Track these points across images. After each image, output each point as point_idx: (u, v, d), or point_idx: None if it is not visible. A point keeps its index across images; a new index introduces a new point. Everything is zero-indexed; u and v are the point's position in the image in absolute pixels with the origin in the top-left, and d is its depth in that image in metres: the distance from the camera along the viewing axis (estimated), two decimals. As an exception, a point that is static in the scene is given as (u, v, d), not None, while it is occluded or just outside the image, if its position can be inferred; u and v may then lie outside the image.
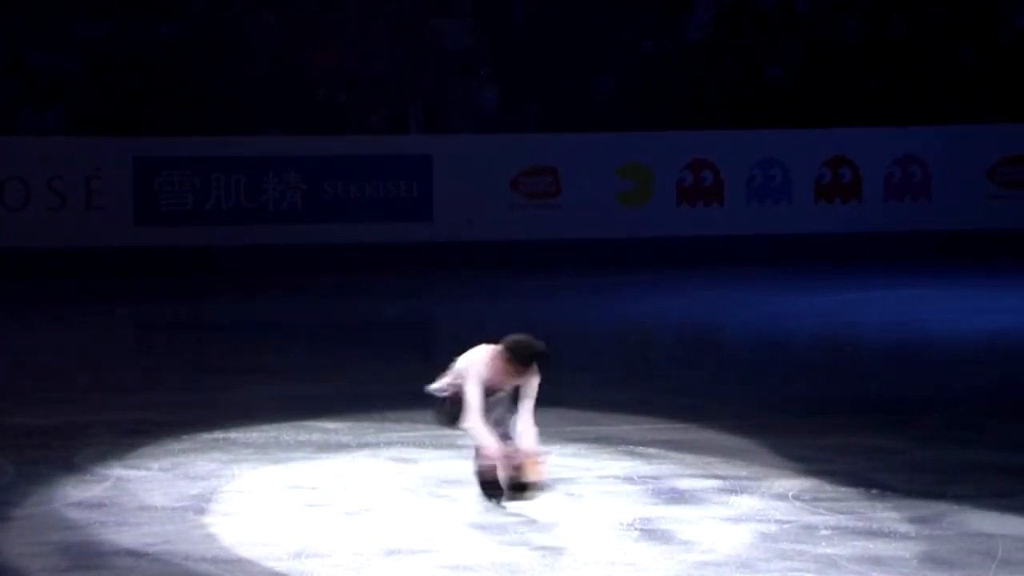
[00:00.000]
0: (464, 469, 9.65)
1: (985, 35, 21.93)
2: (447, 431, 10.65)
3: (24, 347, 14.73)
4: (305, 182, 20.04)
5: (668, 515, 8.84)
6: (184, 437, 10.76)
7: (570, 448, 10.34)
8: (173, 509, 9.04)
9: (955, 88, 21.51)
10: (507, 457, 8.93)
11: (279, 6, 21.31)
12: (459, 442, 10.53)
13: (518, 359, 8.94)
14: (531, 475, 8.91)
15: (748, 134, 20.80)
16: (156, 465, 9.98)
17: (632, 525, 8.72)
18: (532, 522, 8.82)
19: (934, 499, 9.25)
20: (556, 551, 8.32)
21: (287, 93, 20.80)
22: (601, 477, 9.70)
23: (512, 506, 9.09)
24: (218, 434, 10.85)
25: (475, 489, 9.29)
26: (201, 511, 9.02)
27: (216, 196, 19.95)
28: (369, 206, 20.07)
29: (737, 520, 8.74)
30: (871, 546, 8.40)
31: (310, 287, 18.33)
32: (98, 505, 9.10)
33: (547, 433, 10.64)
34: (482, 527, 8.74)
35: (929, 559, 8.20)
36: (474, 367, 9.01)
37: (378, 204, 20.07)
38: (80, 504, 9.12)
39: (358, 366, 13.53)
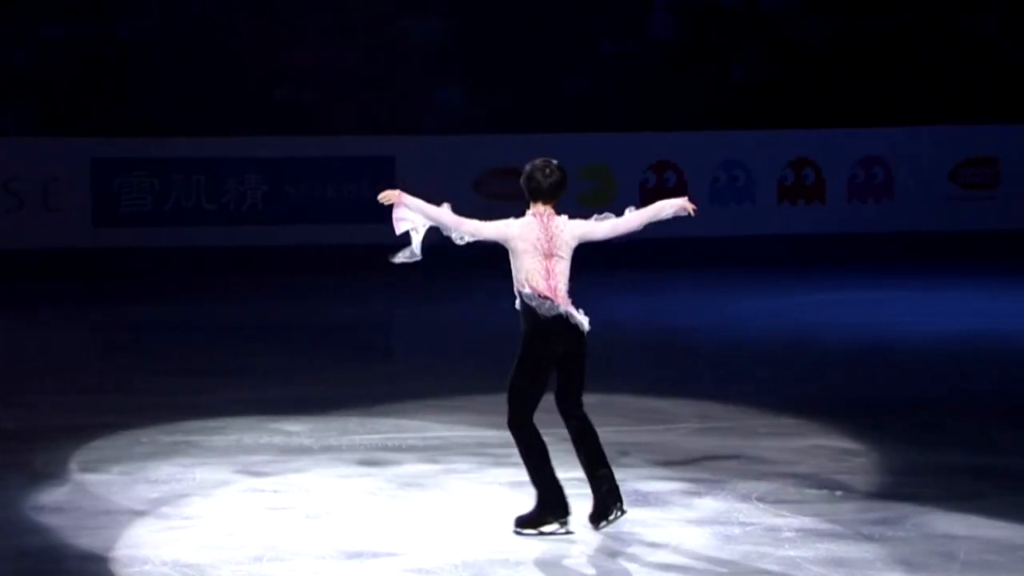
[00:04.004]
0: (425, 471, 9.66)
1: (947, 38, 22.04)
2: (407, 434, 10.69)
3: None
4: (266, 183, 20.00)
5: (632, 517, 8.85)
6: (145, 440, 10.73)
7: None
8: (134, 513, 9.01)
9: (917, 90, 21.62)
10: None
11: (239, 6, 21.26)
12: (420, 444, 10.53)
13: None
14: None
15: (711, 136, 20.86)
16: (117, 469, 9.95)
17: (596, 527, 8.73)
18: (495, 524, 8.83)
19: (897, 501, 9.29)
20: (519, 553, 8.33)
21: (248, 94, 20.75)
22: (565, 479, 9.70)
23: (474, 507, 9.09)
24: (179, 437, 10.82)
25: (437, 492, 9.28)
26: (162, 515, 8.99)
27: (176, 197, 19.90)
28: (331, 207, 20.05)
29: (701, 522, 8.76)
30: (834, 548, 8.42)
31: (272, 289, 18.29)
32: (58, 509, 9.08)
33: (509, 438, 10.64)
34: (444, 530, 8.74)
35: (892, 561, 8.24)
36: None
37: (340, 205, 20.05)
38: (40, 508, 9.09)
39: (320, 369, 13.51)
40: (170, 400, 12.16)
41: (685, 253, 19.79)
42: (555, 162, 8.69)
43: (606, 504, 8.41)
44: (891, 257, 19.71)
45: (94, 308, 17.20)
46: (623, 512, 8.40)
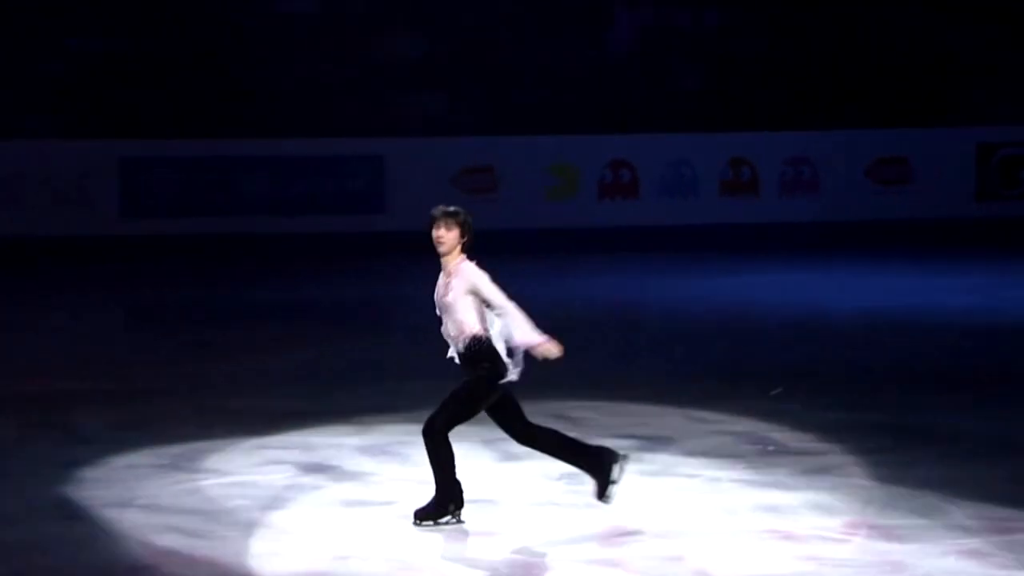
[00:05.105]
0: (406, 431, 9.65)
1: (863, 51, 22.13)
2: (396, 399, 10.66)
3: (26, 328, 14.48)
4: (273, 179, 19.97)
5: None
6: (165, 404, 10.69)
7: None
8: (156, 467, 8.99)
9: (839, 98, 21.71)
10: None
11: (250, 26, 21.19)
12: (407, 406, 10.51)
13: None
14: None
15: (661, 137, 20.89)
16: (141, 428, 9.91)
17: (560, 479, 8.75)
18: (474, 479, 8.83)
19: (819, 455, 9.33)
20: (493, 503, 8.33)
21: (257, 100, 20.71)
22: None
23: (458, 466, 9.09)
24: (197, 401, 10.79)
25: (419, 448, 9.29)
26: (182, 468, 8.97)
27: (193, 191, 19.85)
28: (330, 200, 20.02)
29: (653, 474, 8.79)
30: (767, 496, 8.45)
31: (281, 273, 18.23)
32: (89, 463, 9.05)
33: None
34: (419, 483, 8.72)
35: (815, 507, 8.27)
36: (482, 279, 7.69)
37: (338, 199, 20.03)
38: (73, 463, 9.07)
39: (320, 342, 13.46)
40: (191, 368, 12.12)
41: (638, 240, 19.81)
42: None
43: (605, 472, 7.66)
44: (816, 244, 19.76)
45: (123, 290, 17.10)
46: (622, 470, 7.64)
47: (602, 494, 7.77)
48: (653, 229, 20.22)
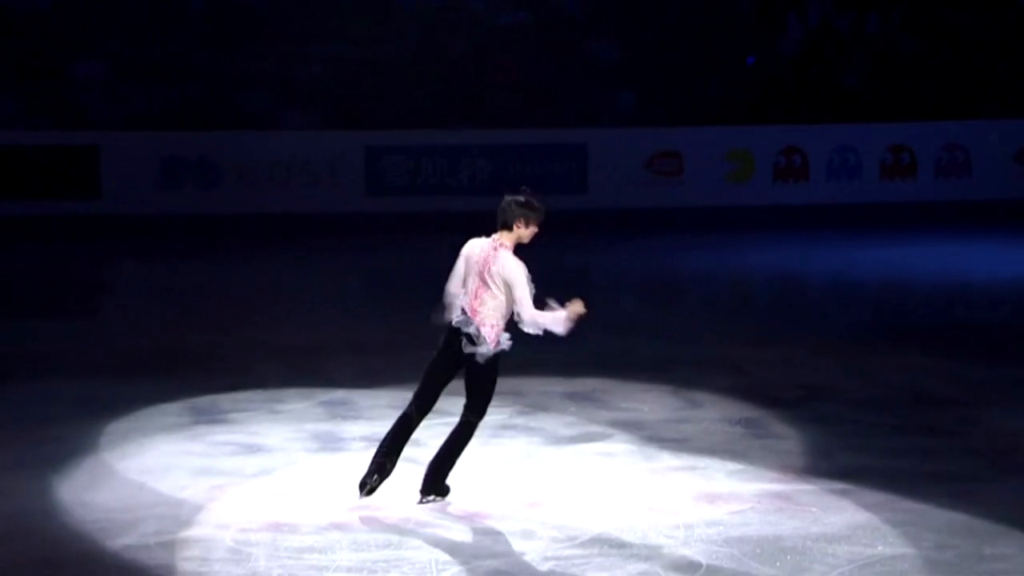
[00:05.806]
0: (605, 384, 9.62)
1: (1013, 47, 21.38)
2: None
3: (284, 290, 14.74)
4: (492, 164, 20.13)
5: (765, 415, 8.79)
6: (397, 355, 10.81)
7: (686, 366, 10.28)
8: (393, 407, 9.13)
9: (989, 89, 21.05)
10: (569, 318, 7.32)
11: (476, 32, 21.38)
12: (608, 367, 10.48)
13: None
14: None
15: (828, 127, 20.52)
16: (378, 374, 10.08)
17: (739, 422, 8.68)
18: (664, 422, 8.80)
19: (971, 406, 9.08)
20: (680, 442, 8.31)
21: (478, 96, 20.90)
22: (713, 388, 9.64)
23: (647, 409, 9.06)
24: (423, 352, 10.89)
25: (618, 395, 9.25)
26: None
27: (425, 175, 20.11)
28: (540, 183, 20.10)
29: (818, 421, 8.67)
30: (924, 441, 8.28)
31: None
32: (340, 403, 9.26)
33: (667, 356, 10.58)
34: (618, 424, 8.71)
35: (968, 452, 8.07)
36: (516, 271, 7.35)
37: (546, 181, 20.11)
38: (326, 403, 9.29)
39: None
40: (412, 324, 12.22)
41: (808, 217, 19.46)
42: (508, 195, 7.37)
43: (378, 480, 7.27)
44: (967, 221, 19.21)
45: (363, 257, 17.39)
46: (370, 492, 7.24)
47: (362, 485, 7.26)
48: (821, 207, 19.87)
